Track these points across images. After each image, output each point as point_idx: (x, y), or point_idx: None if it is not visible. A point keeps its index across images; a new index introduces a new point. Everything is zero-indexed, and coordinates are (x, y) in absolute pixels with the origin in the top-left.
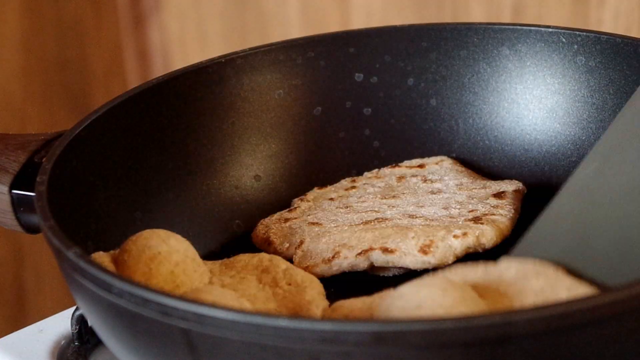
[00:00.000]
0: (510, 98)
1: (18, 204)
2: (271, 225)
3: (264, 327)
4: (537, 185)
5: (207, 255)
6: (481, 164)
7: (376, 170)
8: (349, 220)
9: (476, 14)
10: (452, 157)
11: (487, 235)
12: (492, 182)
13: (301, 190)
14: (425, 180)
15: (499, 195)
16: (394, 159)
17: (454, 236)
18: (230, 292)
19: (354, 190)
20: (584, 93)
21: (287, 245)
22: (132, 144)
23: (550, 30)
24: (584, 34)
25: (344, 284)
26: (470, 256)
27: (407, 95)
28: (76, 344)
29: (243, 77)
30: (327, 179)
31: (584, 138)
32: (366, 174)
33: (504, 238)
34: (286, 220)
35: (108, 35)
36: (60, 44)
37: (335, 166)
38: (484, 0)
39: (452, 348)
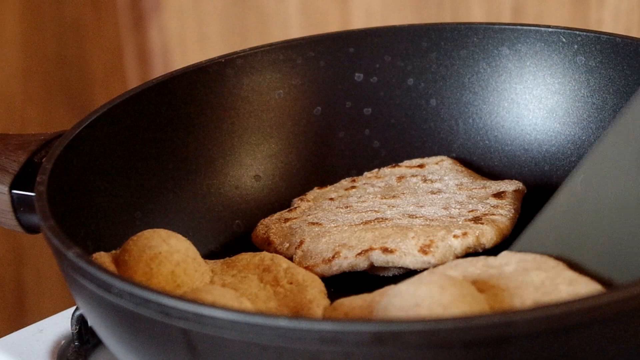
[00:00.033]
0: (510, 98)
1: (18, 204)
2: (271, 225)
3: (264, 327)
4: (537, 185)
5: (207, 255)
6: (481, 164)
7: (376, 170)
8: (349, 220)
9: (476, 14)
10: (452, 157)
11: (487, 235)
12: (492, 182)
13: (301, 190)
14: (425, 180)
15: (499, 195)
16: (394, 159)
17: (454, 236)
18: (230, 291)
19: (354, 190)
20: (584, 93)
21: (287, 245)
22: (132, 144)
23: (550, 30)
24: (584, 34)
25: (344, 284)
26: (470, 256)
27: (407, 95)
28: (76, 344)
29: (243, 77)
30: (327, 179)
31: (584, 138)
32: (366, 174)
33: (504, 238)
34: (286, 220)
35: (108, 35)
36: (60, 44)
37: (335, 166)
38: (484, 0)
39: (452, 348)
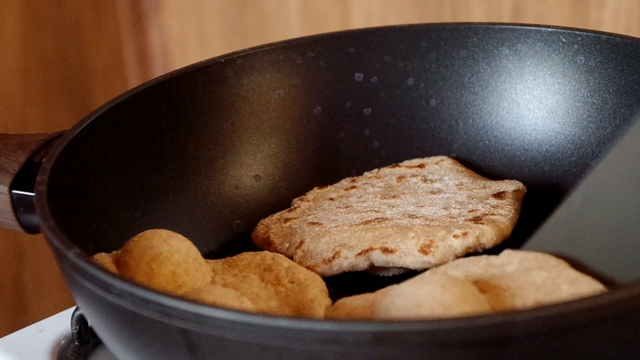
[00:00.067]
0: (510, 98)
1: (18, 204)
2: (271, 225)
3: (264, 327)
4: (537, 185)
5: (207, 255)
6: (481, 164)
7: (376, 170)
8: (349, 220)
9: (476, 14)
10: (452, 157)
11: (487, 235)
12: (492, 182)
13: (301, 190)
14: (425, 180)
15: (499, 195)
16: (394, 159)
17: (454, 236)
18: (231, 291)
19: (354, 190)
20: (584, 93)
21: (287, 245)
22: (132, 144)
23: (550, 30)
24: (584, 33)
25: (344, 284)
26: (471, 256)
27: (407, 95)
28: (76, 344)
29: (243, 77)
30: (327, 178)
31: (584, 138)
32: (366, 173)
33: (504, 238)
34: (286, 220)
35: (108, 35)
36: (60, 44)
37: (335, 166)
38: (484, 0)
39: (452, 348)
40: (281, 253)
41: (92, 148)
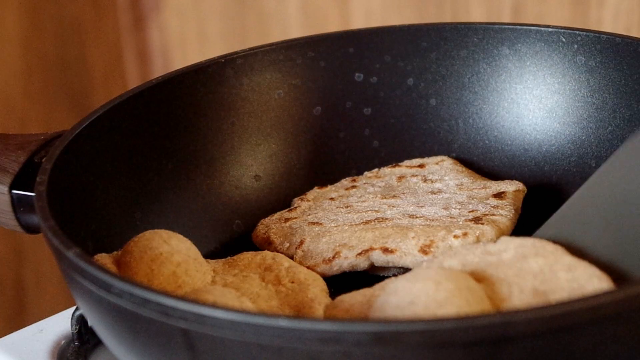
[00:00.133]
0: (510, 98)
1: (18, 204)
2: (271, 225)
3: (264, 328)
4: (537, 185)
5: (207, 255)
6: (481, 164)
7: (376, 170)
8: (349, 220)
9: (476, 14)
10: (452, 157)
11: (488, 236)
12: (492, 182)
13: (301, 190)
14: (425, 180)
15: (499, 195)
16: (394, 159)
17: (454, 236)
18: (231, 291)
19: (354, 190)
20: (584, 93)
21: (288, 245)
22: (132, 144)
23: (550, 30)
24: (584, 33)
25: (345, 284)
26: None
27: (407, 95)
28: (76, 344)
29: (243, 77)
30: (327, 178)
31: (584, 138)
32: (366, 173)
33: None
34: (286, 220)
35: (108, 35)
36: (60, 44)
37: (335, 166)
38: (483, 0)
39: (451, 348)
40: (281, 253)
41: (92, 148)
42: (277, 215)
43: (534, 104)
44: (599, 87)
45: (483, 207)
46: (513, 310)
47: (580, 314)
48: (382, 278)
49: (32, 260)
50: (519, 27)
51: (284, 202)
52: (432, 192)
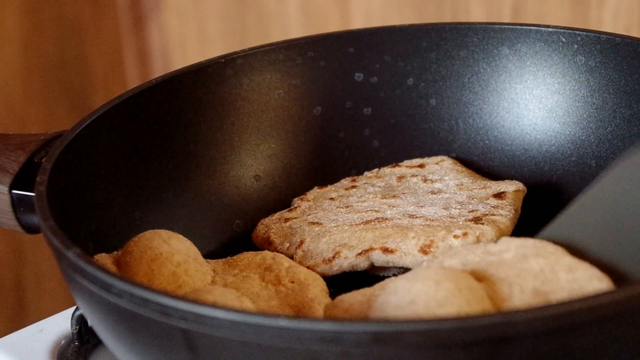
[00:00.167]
0: (510, 98)
1: (18, 204)
2: (271, 225)
3: (264, 328)
4: (537, 185)
5: (207, 255)
6: (481, 164)
7: (376, 170)
8: (349, 220)
9: (476, 14)
10: (452, 157)
11: (488, 236)
12: (492, 182)
13: (301, 190)
14: (425, 180)
15: (499, 195)
16: (394, 159)
17: (454, 236)
18: (231, 291)
19: (354, 189)
20: (584, 93)
21: (288, 245)
22: (132, 144)
23: (550, 30)
24: (584, 33)
25: (345, 284)
26: None
27: (407, 95)
28: (76, 344)
29: (243, 77)
30: (327, 178)
31: (583, 138)
32: (366, 173)
33: None
34: (286, 220)
35: (108, 35)
36: (60, 44)
37: (335, 166)
38: (483, 0)
39: (451, 348)
40: (281, 253)
41: (92, 148)
42: (277, 215)
43: (534, 104)
44: (599, 87)
45: (483, 207)
46: (513, 310)
47: (580, 314)
48: (382, 278)
49: (32, 260)
50: (519, 27)
51: (284, 202)
52: (432, 192)
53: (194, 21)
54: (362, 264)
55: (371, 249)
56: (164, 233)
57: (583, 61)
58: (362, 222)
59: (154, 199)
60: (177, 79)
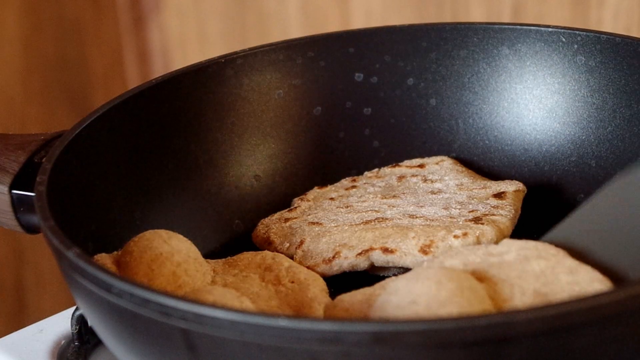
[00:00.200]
0: (510, 98)
1: (18, 204)
2: (271, 225)
3: (264, 328)
4: (537, 185)
5: (207, 255)
6: (481, 164)
7: (376, 170)
8: (349, 220)
9: (476, 14)
10: (452, 157)
11: (488, 236)
12: (492, 182)
13: (301, 190)
14: (425, 180)
15: (499, 195)
16: (394, 159)
17: (454, 236)
18: (231, 291)
19: (354, 189)
20: (584, 93)
21: (288, 245)
22: (132, 144)
23: (550, 30)
24: (584, 33)
25: (345, 284)
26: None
27: (407, 95)
28: (76, 344)
29: (243, 77)
30: (327, 178)
31: (583, 138)
32: (366, 173)
33: (504, 238)
34: (286, 220)
35: (108, 35)
36: (60, 44)
37: (335, 166)
38: (483, 0)
39: (451, 348)
40: (281, 253)
41: (92, 148)
42: (277, 215)
43: (534, 104)
44: (599, 87)
45: (483, 207)
46: (513, 310)
47: (580, 314)
48: (382, 278)
49: (32, 261)
50: (519, 27)
51: (284, 202)
52: (432, 192)
53: (194, 21)
54: (362, 264)
55: (371, 249)
56: (164, 233)
57: (583, 61)
58: (362, 222)
59: (154, 199)
60: (177, 79)
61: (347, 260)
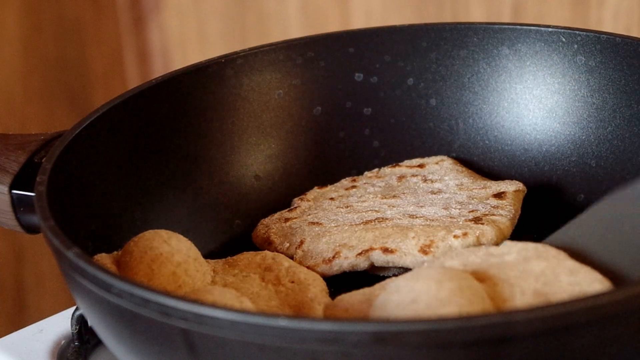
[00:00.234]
0: (510, 98)
1: (18, 204)
2: (271, 225)
3: (264, 328)
4: (537, 185)
5: (207, 255)
6: (481, 164)
7: (376, 170)
8: (349, 220)
9: (476, 14)
10: (452, 157)
11: (488, 236)
12: (492, 182)
13: (301, 190)
14: (425, 180)
15: (499, 195)
16: (394, 159)
17: (454, 236)
18: (231, 291)
19: (354, 189)
20: (584, 93)
21: (288, 245)
22: (132, 144)
23: (550, 30)
24: (584, 33)
25: (345, 284)
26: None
27: (407, 95)
28: (76, 344)
29: (243, 77)
30: (327, 178)
31: (583, 138)
32: (366, 173)
33: (504, 238)
34: (286, 220)
35: (108, 35)
36: (60, 44)
37: (335, 166)
38: (483, 0)
39: (452, 348)
40: (281, 253)
41: (92, 148)
42: (277, 215)
43: (534, 104)
44: (599, 87)
45: (483, 207)
46: (513, 310)
47: (580, 314)
48: (382, 278)
49: (32, 261)
50: (519, 27)
51: (284, 202)
52: (432, 192)
53: (194, 21)
54: (362, 264)
55: (371, 249)
56: (164, 233)
57: (583, 61)
58: (362, 222)
59: (154, 199)
60: (177, 79)
61: (347, 260)
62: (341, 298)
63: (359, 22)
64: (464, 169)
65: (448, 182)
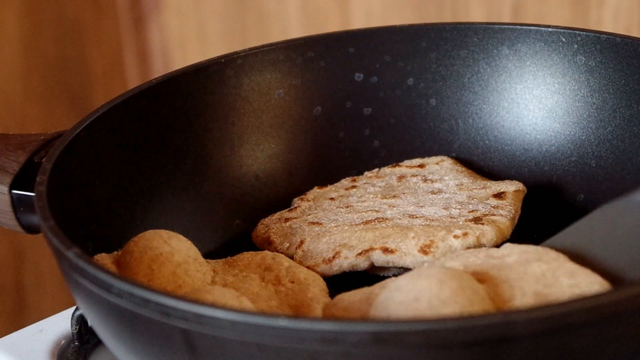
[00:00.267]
0: (510, 98)
1: (18, 204)
2: (271, 225)
3: (264, 327)
4: (537, 185)
5: (207, 255)
6: (481, 164)
7: (377, 169)
8: (349, 220)
9: (476, 14)
10: (452, 157)
11: (488, 236)
12: (493, 182)
13: (301, 190)
14: (425, 180)
15: (499, 195)
16: (394, 159)
17: (454, 236)
18: (231, 291)
19: (354, 189)
20: (584, 93)
21: (288, 245)
22: (132, 144)
23: (550, 30)
24: (584, 33)
25: (345, 284)
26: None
27: (407, 95)
28: (76, 344)
29: (243, 77)
30: (327, 178)
31: (583, 138)
32: (367, 173)
33: (504, 238)
34: (286, 220)
35: (108, 35)
36: (60, 44)
37: (335, 166)
38: (484, 0)
39: (452, 348)
40: (281, 253)
41: (92, 148)
42: (277, 215)
43: (534, 104)
44: (599, 87)
45: (483, 207)
46: (513, 310)
47: (579, 314)
48: (382, 278)
49: (32, 261)
50: (519, 27)
51: (284, 202)
52: (432, 192)
53: (194, 21)
54: (362, 264)
55: (371, 249)
56: (164, 233)
57: (583, 61)
58: (362, 222)
59: (154, 199)
60: (177, 79)
61: (347, 260)
62: (341, 297)
63: (359, 22)
64: (464, 169)
65: (448, 182)
